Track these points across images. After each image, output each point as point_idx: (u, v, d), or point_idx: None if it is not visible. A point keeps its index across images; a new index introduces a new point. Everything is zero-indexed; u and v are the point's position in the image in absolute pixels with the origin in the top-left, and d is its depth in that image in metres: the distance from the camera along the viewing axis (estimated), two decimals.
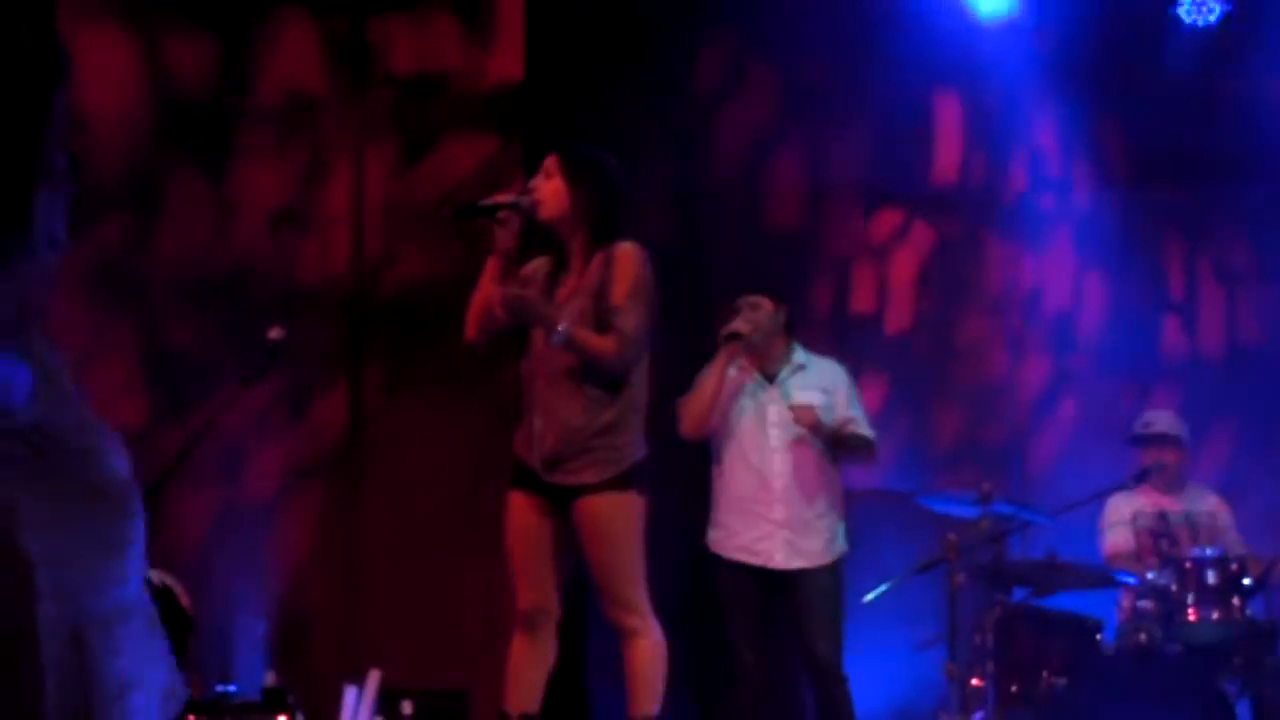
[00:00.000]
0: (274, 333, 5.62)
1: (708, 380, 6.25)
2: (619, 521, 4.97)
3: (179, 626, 5.28)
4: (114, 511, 1.65)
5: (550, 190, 5.03)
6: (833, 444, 6.36)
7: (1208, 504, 6.91)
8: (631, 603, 4.99)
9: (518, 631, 5.10)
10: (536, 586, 5.06)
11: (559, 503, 5.03)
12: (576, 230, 5.03)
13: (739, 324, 6.18)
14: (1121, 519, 6.82)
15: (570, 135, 6.18)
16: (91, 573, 1.61)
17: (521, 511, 5.07)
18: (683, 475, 6.61)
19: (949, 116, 7.93)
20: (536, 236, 5.17)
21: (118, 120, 6.88)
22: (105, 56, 6.82)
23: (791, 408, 6.29)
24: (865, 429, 6.42)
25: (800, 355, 6.48)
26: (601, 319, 4.95)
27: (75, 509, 1.61)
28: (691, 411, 6.29)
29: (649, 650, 5.03)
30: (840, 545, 6.40)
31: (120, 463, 1.66)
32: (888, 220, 7.96)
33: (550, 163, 5.07)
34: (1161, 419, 6.93)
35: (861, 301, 7.91)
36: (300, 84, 7.27)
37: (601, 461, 4.96)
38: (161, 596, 5.81)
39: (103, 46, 6.84)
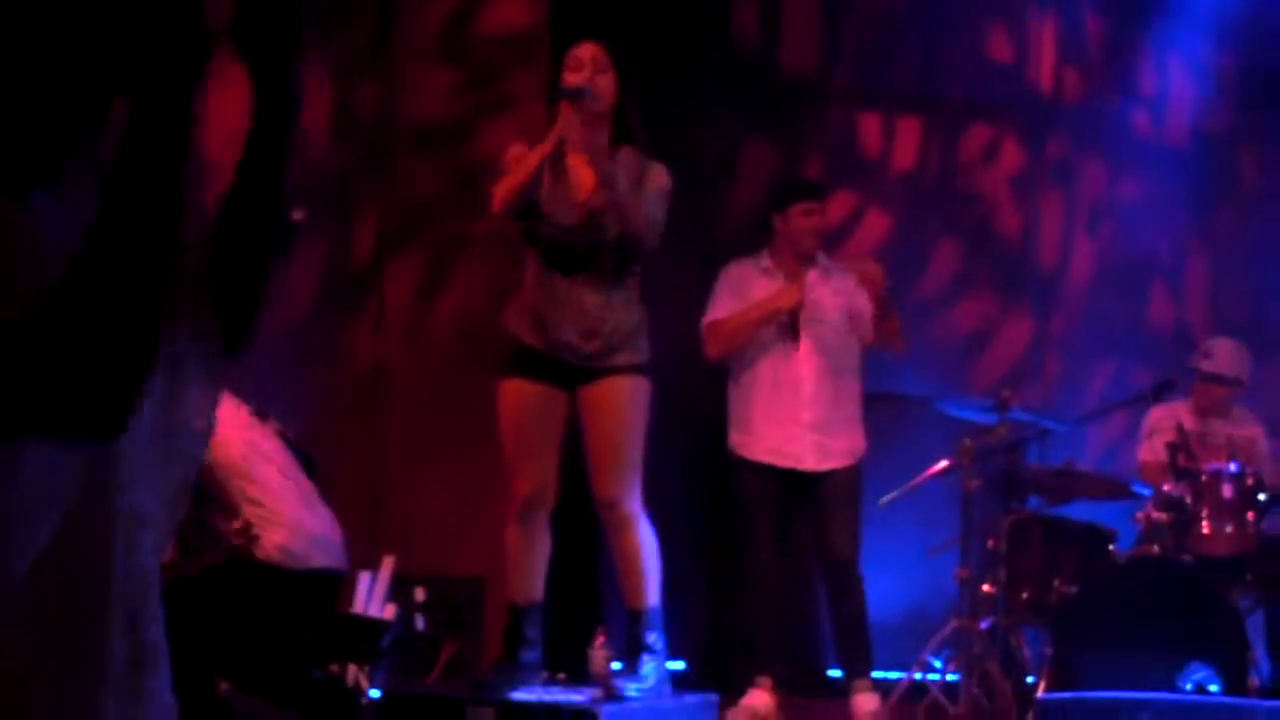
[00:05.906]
0: (296, 214, 5.58)
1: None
2: (638, 405, 5.19)
3: None
4: None
5: (605, 83, 5.19)
6: (881, 317, 6.29)
7: (1249, 430, 6.84)
8: (632, 490, 5.18)
9: (512, 523, 5.27)
10: (539, 472, 5.22)
11: (567, 387, 5.19)
12: (608, 123, 5.23)
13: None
14: (1159, 429, 6.74)
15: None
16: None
17: (524, 396, 5.21)
18: (699, 382, 6.63)
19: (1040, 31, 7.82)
20: None
21: None
22: None
23: (858, 271, 6.29)
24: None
25: (823, 259, 6.51)
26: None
27: None
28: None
29: (645, 540, 5.21)
30: (862, 445, 6.42)
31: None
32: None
33: (601, 56, 5.19)
34: (1223, 352, 6.77)
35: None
36: None
37: (628, 350, 5.19)
38: None
39: None
